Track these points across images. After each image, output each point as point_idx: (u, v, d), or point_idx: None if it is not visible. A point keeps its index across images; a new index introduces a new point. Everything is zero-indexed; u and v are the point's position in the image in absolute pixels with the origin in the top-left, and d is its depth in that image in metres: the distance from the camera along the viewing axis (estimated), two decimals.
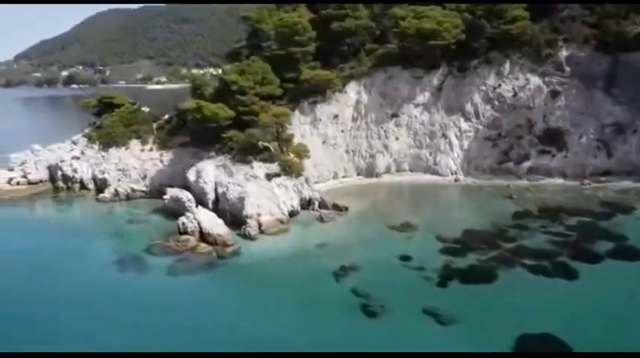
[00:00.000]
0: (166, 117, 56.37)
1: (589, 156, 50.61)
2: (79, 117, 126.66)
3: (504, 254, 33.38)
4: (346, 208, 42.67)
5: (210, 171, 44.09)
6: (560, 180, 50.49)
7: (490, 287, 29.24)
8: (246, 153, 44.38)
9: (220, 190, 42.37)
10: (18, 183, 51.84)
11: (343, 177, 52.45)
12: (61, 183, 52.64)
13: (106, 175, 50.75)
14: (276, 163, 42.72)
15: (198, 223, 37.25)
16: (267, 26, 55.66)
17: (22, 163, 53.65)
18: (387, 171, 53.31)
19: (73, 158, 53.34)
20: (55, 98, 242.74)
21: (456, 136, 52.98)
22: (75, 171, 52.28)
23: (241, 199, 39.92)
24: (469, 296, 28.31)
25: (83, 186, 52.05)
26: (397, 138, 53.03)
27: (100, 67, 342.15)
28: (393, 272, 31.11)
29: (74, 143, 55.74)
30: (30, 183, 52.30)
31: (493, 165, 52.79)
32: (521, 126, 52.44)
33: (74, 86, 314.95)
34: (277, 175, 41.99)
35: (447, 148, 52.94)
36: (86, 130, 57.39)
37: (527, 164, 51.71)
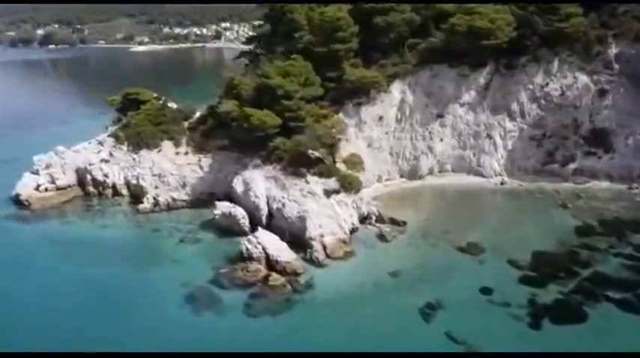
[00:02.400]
0: (198, 114, 53.48)
1: (636, 158, 49.98)
2: (68, 91, 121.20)
3: (584, 284, 32.97)
4: (404, 223, 41.58)
5: (260, 183, 42.21)
6: (605, 183, 50.03)
7: (584, 328, 28.90)
8: (297, 164, 42.38)
9: (274, 206, 40.68)
10: (47, 189, 49.05)
11: (387, 179, 51.03)
12: (91, 188, 49.93)
13: (141, 181, 48.24)
14: (334, 179, 40.91)
15: (264, 248, 35.77)
16: (300, 16, 52.28)
17: (48, 166, 50.50)
18: (430, 172, 51.98)
19: (101, 161, 50.54)
20: (33, 63, 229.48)
21: (500, 136, 51.67)
22: (106, 175, 49.60)
23: (302, 219, 38.34)
24: (567, 340, 27.84)
25: (116, 191, 49.53)
26: (441, 139, 51.47)
27: (78, 26, 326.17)
28: (480, 311, 30.46)
29: (100, 143, 52.64)
30: (58, 188, 49.46)
31: (536, 165, 51.90)
32: (567, 126, 51.34)
33: (51, 46, 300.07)
34: (336, 192, 40.33)
35: (492, 149, 51.70)
36: (111, 129, 54.24)
37: (572, 166, 50.89)
